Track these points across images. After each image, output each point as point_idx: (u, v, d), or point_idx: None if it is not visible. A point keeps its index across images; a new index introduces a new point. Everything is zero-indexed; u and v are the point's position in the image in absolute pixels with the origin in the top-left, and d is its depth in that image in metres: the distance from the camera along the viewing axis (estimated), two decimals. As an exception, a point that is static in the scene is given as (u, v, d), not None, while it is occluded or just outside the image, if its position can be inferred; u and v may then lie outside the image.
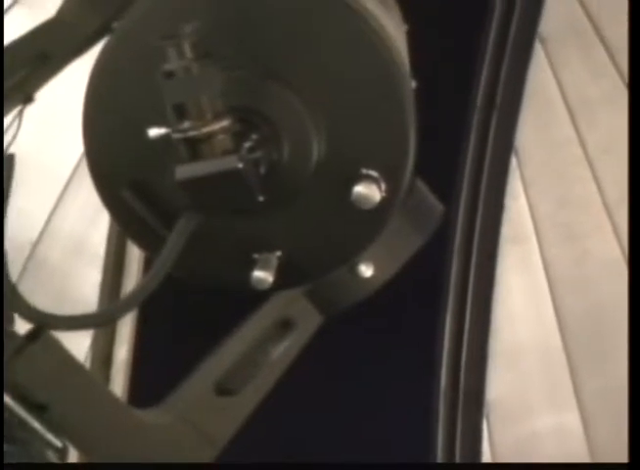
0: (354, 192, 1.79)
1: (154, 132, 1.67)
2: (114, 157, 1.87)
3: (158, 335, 7.66)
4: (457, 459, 7.62)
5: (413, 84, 1.98)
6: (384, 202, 1.81)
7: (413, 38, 2.38)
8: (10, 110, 2.07)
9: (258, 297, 2.02)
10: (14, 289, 1.71)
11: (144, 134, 1.71)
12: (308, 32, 1.78)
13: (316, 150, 1.78)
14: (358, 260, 2.05)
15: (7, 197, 2.02)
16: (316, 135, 1.77)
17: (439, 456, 7.67)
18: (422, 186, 2.14)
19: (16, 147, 2.29)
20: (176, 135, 1.62)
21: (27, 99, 2.11)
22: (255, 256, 1.87)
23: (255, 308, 2.10)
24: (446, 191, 7.41)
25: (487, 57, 7.56)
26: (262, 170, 1.71)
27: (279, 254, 1.87)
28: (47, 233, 7.33)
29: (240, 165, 1.62)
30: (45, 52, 2.14)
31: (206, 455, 1.98)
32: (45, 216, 7.29)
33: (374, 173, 1.80)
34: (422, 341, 7.81)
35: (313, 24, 1.78)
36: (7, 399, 1.70)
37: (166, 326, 7.73)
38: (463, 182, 7.60)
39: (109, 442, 1.87)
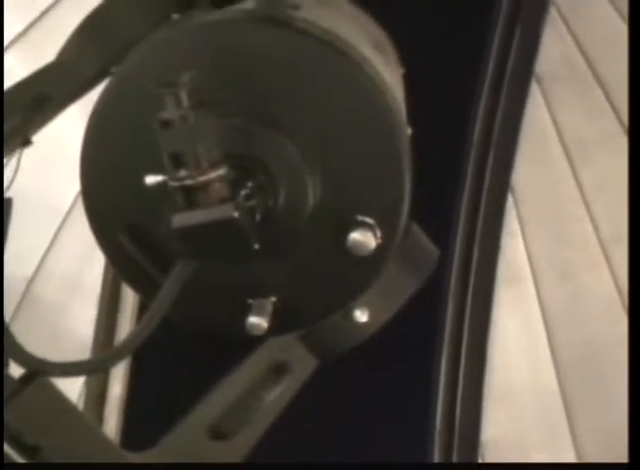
0: (350, 239, 1.80)
1: (150, 180, 1.67)
2: (110, 201, 1.87)
3: (152, 373, 7.63)
4: (453, 500, 7.58)
5: (409, 131, 1.99)
6: (379, 248, 1.81)
7: (410, 77, 2.40)
8: (8, 154, 2.08)
9: (254, 338, 2.02)
10: (8, 333, 1.71)
11: (141, 179, 1.71)
12: (304, 79, 1.79)
13: (312, 197, 1.79)
14: (353, 306, 2.05)
15: (5, 239, 2.03)
16: (312, 182, 1.78)
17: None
18: (417, 230, 2.14)
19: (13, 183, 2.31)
20: (172, 183, 1.62)
21: (25, 142, 2.11)
22: (250, 301, 1.87)
23: (251, 349, 2.10)
24: (442, 232, 7.44)
25: (484, 95, 7.61)
26: (258, 218, 1.71)
27: (274, 299, 1.88)
28: (42, 269, 7.33)
29: (235, 214, 1.62)
30: (44, 95, 2.15)
31: None
32: (41, 252, 7.29)
33: (369, 220, 1.81)
34: (417, 381, 7.78)
35: (309, 72, 1.79)
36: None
37: (161, 364, 7.69)
38: (459, 221, 7.62)
39: None
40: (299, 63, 1.79)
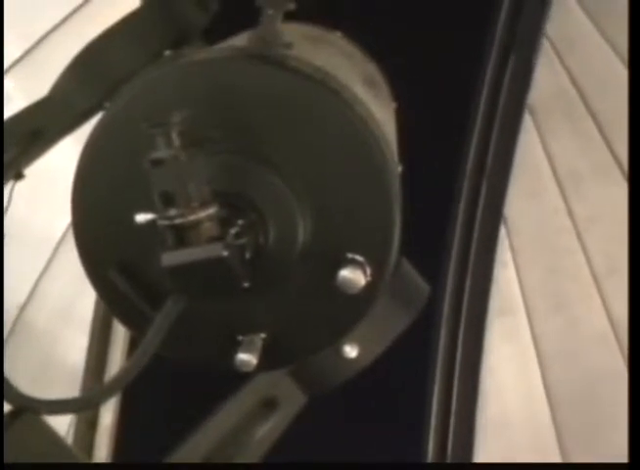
0: (340, 276, 1.81)
1: (140, 218, 1.68)
2: (101, 236, 1.88)
3: (143, 400, 7.58)
4: None
5: (399, 169, 2.00)
6: (369, 286, 1.82)
7: (403, 110, 2.41)
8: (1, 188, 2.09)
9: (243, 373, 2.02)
10: (-1, 372, 1.71)
11: (131, 216, 1.72)
12: (296, 118, 1.80)
13: (302, 235, 1.80)
14: (343, 341, 2.06)
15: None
16: (302, 220, 1.79)
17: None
18: (408, 266, 2.15)
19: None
20: (162, 222, 1.63)
21: (18, 176, 2.12)
22: (240, 337, 1.88)
23: (242, 380, 2.10)
24: (434, 262, 7.42)
25: (477, 126, 7.63)
26: (248, 256, 1.72)
27: (263, 335, 1.88)
28: (35, 297, 7.30)
29: (225, 254, 1.63)
30: (38, 129, 2.17)
31: None
32: (33, 279, 7.27)
33: (359, 258, 1.81)
34: (409, 413, 7.75)
35: (301, 110, 1.81)
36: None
37: (152, 391, 7.66)
38: (451, 253, 7.62)
39: None
40: (291, 101, 1.80)
